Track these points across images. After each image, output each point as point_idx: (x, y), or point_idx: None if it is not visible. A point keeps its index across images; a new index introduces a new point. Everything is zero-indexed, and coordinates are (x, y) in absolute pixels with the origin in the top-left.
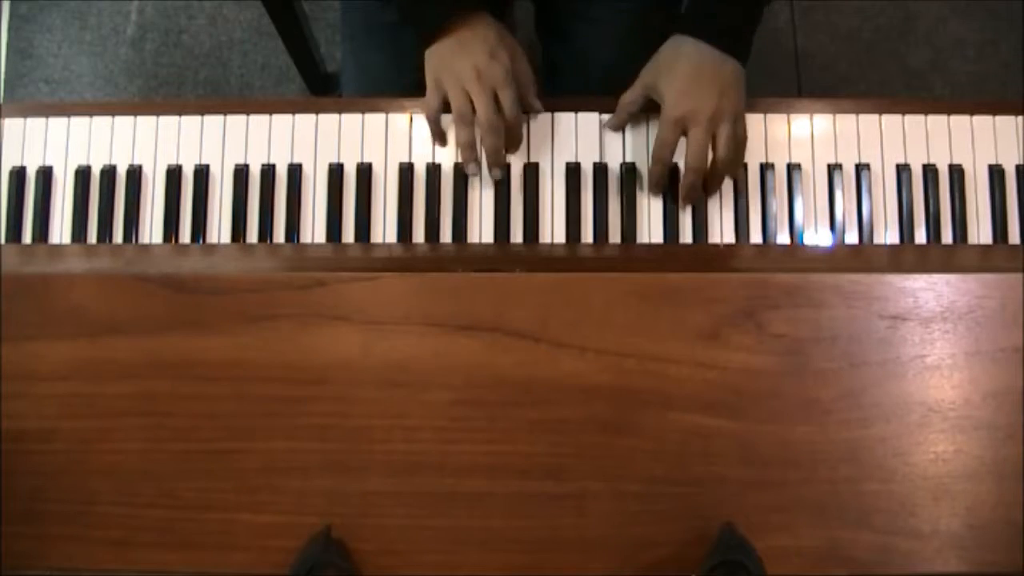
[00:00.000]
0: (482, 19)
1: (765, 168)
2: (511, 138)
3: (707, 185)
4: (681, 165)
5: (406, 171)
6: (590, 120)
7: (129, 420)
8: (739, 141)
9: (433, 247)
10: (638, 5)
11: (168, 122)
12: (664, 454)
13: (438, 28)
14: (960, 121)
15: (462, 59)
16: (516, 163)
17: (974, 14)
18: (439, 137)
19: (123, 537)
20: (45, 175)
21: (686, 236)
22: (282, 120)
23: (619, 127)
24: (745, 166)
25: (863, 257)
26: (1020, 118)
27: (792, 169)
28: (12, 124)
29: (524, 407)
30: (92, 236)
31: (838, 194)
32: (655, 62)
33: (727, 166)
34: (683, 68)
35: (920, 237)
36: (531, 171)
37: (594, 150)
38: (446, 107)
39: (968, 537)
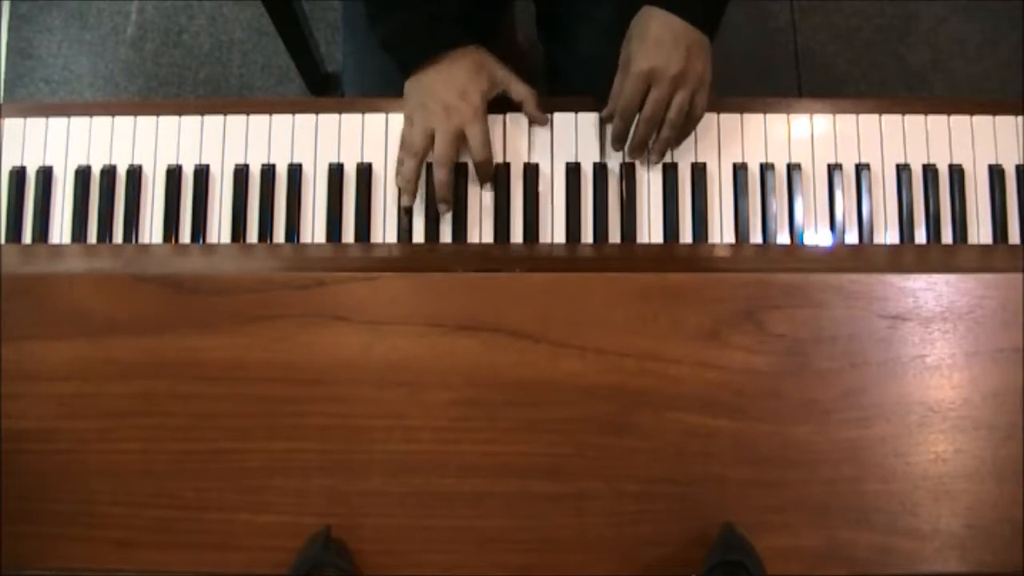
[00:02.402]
0: (459, 54)
1: (765, 168)
2: (481, 174)
3: (653, 146)
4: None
5: None
6: (590, 120)
7: (129, 420)
8: (695, 110)
9: (433, 247)
10: (639, 6)
11: (168, 122)
12: (664, 454)
13: (418, 63)
14: (960, 121)
15: (432, 96)
16: (516, 163)
17: (974, 14)
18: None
19: (123, 537)
20: (45, 175)
21: (686, 236)
22: (282, 120)
23: (610, 117)
24: (745, 166)
25: (863, 257)
26: (1020, 118)
27: (792, 169)
28: (12, 124)
29: (524, 407)
30: (92, 236)
31: (838, 194)
32: (627, 36)
33: (673, 130)
34: (651, 30)
35: (920, 237)
36: (531, 171)
37: (594, 150)
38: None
39: (968, 537)
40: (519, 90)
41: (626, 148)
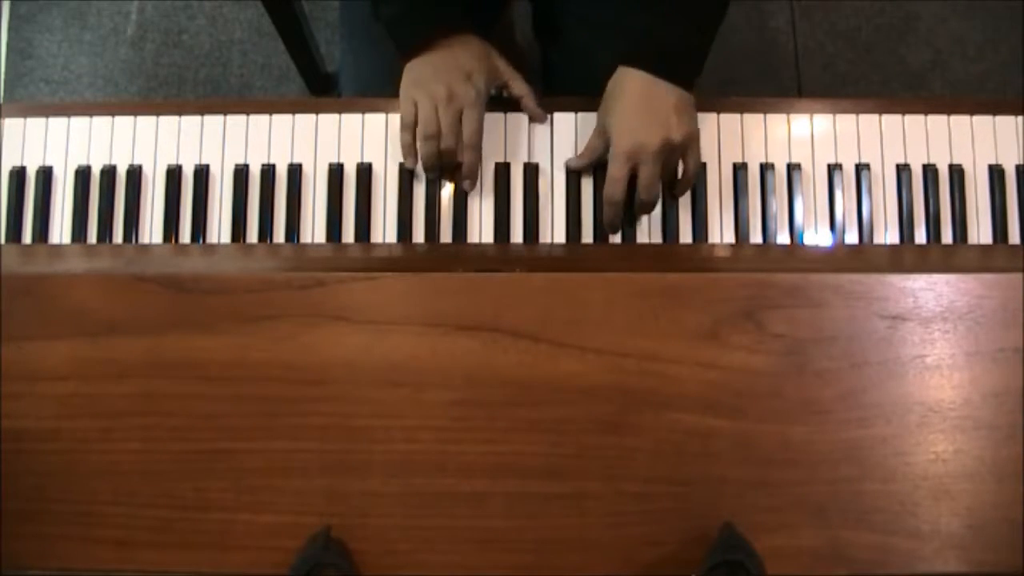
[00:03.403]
0: (464, 39)
1: (765, 168)
2: (467, 160)
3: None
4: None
5: (406, 171)
6: (590, 120)
7: (129, 420)
8: (688, 170)
9: (433, 247)
10: (635, 5)
11: (168, 122)
12: (664, 454)
13: (421, 45)
14: (960, 121)
15: (437, 78)
16: (516, 163)
17: (974, 14)
18: (411, 153)
19: (123, 537)
20: (45, 175)
21: (686, 236)
22: (282, 120)
23: (580, 168)
24: (745, 166)
25: (863, 257)
26: (1020, 118)
27: (792, 169)
28: (12, 124)
29: (524, 407)
30: (92, 236)
31: (838, 194)
32: (604, 99)
33: (649, 197)
34: (626, 102)
35: (920, 237)
36: (531, 171)
37: None
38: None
39: (968, 537)
40: (519, 86)
41: (606, 223)
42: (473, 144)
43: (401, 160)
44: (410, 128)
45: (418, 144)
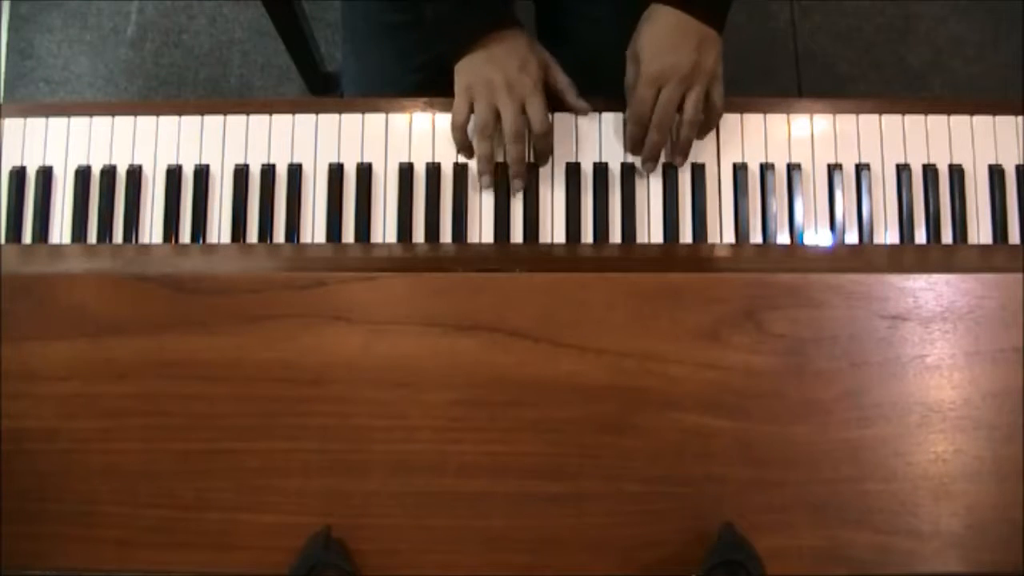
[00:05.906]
0: (513, 33)
1: (765, 168)
2: (540, 148)
3: (674, 148)
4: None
5: (406, 171)
6: (590, 120)
7: (129, 420)
8: (713, 106)
9: (433, 247)
10: (639, 4)
11: (168, 122)
12: (664, 454)
13: (471, 43)
14: (960, 121)
15: (493, 71)
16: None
17: (974, 14)
18: (464, 148)
19: (123, 537)
20: (45, 175)
21: (686, 236)
22: (282, 120)
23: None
24: (745, 166)
25: (863, 257)
26: (1020, 118)
27: (792, 169)
28: (12, 124)
29: (524, 407)
30: (92, 236)
31: (838, 194)
32: (636, 31)
33: (692, 128)
34: (658, 29)
35: (920, 237)
36: (531, 171)
37: (594, 150)
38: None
39: (968, 537)
40: (562, 79)
41: (640, 159)
42: (544, 130)
43: (401, 160)
44: (460, 127)
45: (474, 142)
